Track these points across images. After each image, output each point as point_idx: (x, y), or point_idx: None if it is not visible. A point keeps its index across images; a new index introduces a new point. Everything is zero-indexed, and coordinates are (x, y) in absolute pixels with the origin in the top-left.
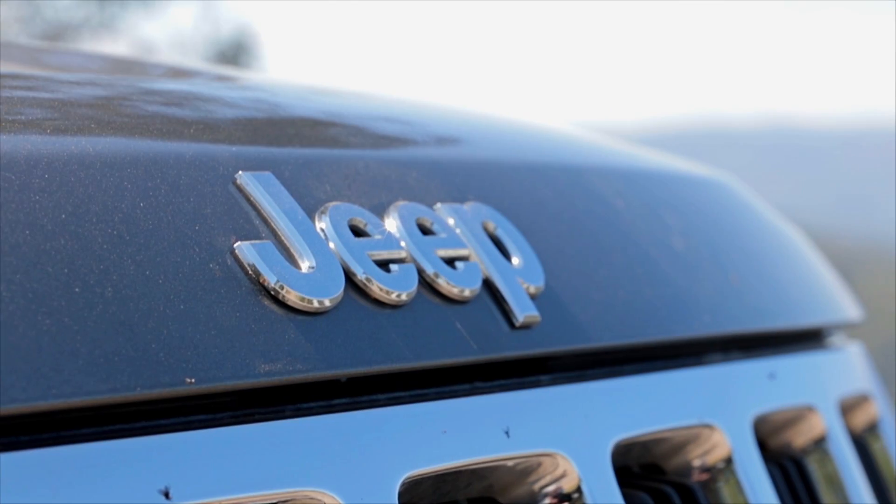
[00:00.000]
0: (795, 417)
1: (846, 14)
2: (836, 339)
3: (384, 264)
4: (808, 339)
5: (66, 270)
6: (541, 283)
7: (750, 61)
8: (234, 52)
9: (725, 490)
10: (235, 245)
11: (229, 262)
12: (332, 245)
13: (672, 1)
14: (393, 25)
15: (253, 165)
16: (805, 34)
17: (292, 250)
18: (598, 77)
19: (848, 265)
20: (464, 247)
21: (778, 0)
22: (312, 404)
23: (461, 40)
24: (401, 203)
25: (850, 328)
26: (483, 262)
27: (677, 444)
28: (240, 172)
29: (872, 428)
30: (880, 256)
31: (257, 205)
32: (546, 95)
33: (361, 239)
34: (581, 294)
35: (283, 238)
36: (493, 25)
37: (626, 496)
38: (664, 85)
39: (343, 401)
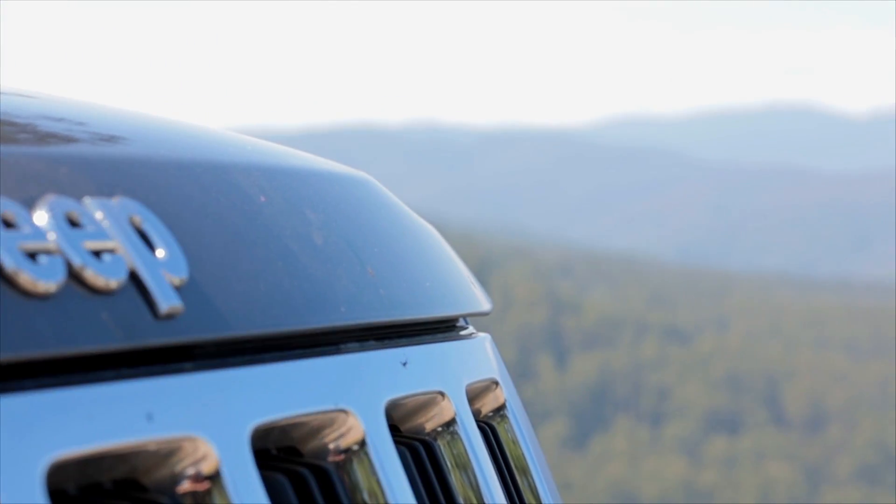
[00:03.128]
0: (427, 402)
1: (493, 22)
2: (467, 329)
3: (33, 255)
4: (440, 328)
5: None
6: (185, 275)
7: (403, 67)
8: None
9: (359, 471)
10: None
11: None
12: None
13: (325, 3)
14: (54, 26)
15: None
16: (455, 41)
17: None
18: (257, 82)
19: (489, 260)
20: (111, 239)
21: (430, 4)
22: None
23: (128, 41)
24: (50, 197)
25: (480, 318)
26: (129, 254)
27: (314, 428)
28: None
29: (499, 411)
30: (520, 252)
31: None
32: (207, 101)
33: (11, 231)
34: (224, 285)
35: None
36: (154, 28)
37: (264, 478)
38: (323, 89)
39: None
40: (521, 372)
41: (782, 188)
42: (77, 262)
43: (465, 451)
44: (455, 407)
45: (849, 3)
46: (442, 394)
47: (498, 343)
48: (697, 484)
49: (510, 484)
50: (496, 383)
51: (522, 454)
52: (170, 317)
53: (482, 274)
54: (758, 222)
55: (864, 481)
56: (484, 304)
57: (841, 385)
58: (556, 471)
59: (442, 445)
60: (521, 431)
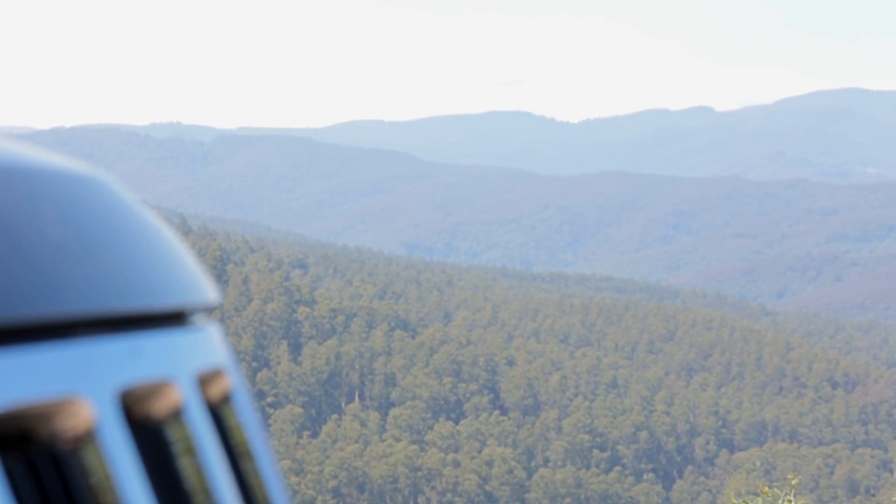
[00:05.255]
0: (157, 389)
1: (233, 24)
2: (197, 319)
3: None
4: (171, 319)
5: None
6: None
7: (148, 69)
8: None
9: (91, 456)
10: None
11: None
12: None
13: (72, 5)
14: None
15: None
16: (196, 42)
17: None
18: (7, 81)
19: (228, 255)
20: None
21: (169, 5)
22: None
23: None
24: None
25: (210, 309)
26: None
27: (48, 414)
28: None
29: (226, 398)
30: (257, 247)
31: None
32: None
33: None
34: None
35: None
36: None
37: None
38: (72, 89)
39: None
40: (258, 361)
41: (502, 189)
42: None
43: (193, 436)
44: (184, 394)
45: (564, 17)
46: (172, 381)
47: (236, 333)
48: (422, 465)
49: (236, 468)
50: (224, 371)
51: (247, 440)
52: None
53: (221, 268)
54: (479, 220)
55: (575, 463)
56: (214, 297)
57: (555, 372)
58: (290, 454)
59: (171, 431)
60: (246, 418)
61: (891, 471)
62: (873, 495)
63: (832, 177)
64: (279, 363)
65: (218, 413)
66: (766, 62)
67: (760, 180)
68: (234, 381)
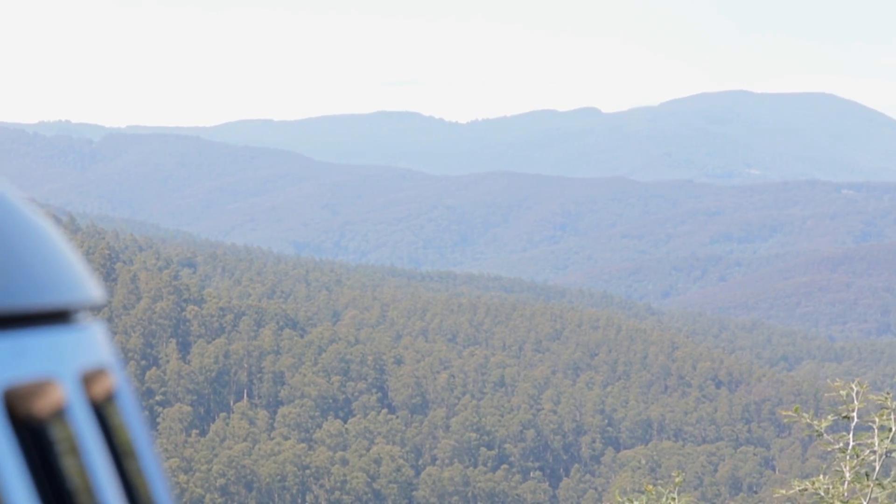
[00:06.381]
0: (40, 388)
1: (120, 23)
2: (81, 318)
3: None
4: (56, 317)
5: None
6: None
7: (35, 67)
8: None
9: None
10: None
11: None
12: None
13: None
14: None
15: None
16: (86, 40)
17: None
18: None
19: (116, 253)
20: None
21: (58, 4)
22: None
23: None
24: None
25: (95, 308)
26: None
27: None
28: None
29: (110, 398)
30: (146, 245)
31: None
32: None
33: None
34: None
35: None
36: None
37: None
38: None
39: None
40: (146, 359)
41: (391, 188)
42: None
43: (77, 435)
44: (67, 393)
45: (453, 18)
46: (55, 380)
47: (125, 331)
48: (311, 463)
49: (120, 467)
50: (108, 370)
51: (131, 438)
52: None
53: (110, 266)
54: (368, 219)
55: (462, 461)
56: (98, 296)
57: (443, 371)
58: (178, 452)
59: (54, 430)
60: (130, 417)
61: (773, 468)
62: (756, 492)
63: (717, 178)
64: (168, 361)
65: (102, 412)
66: (652, 64)
67: (646, 181)
68: (118, 380)
